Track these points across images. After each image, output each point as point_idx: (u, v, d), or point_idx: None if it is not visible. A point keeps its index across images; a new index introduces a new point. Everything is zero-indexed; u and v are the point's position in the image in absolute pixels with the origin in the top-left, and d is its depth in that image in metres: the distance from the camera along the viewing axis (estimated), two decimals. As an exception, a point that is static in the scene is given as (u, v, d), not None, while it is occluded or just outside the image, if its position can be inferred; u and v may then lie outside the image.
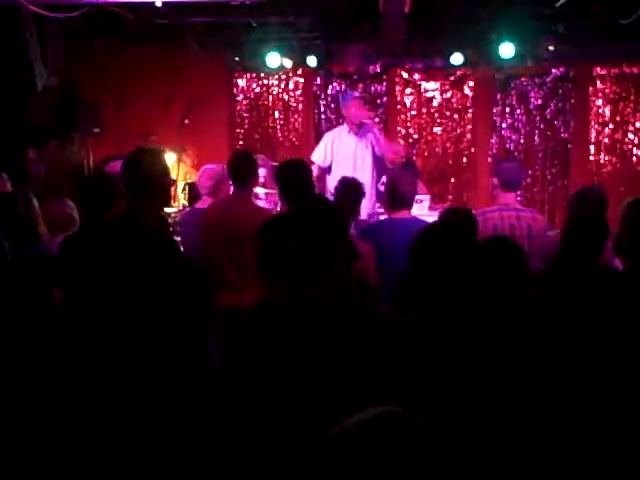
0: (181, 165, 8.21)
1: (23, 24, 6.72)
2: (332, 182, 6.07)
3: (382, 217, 5.28)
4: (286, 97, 8.73)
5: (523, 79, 8.35)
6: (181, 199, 7.62)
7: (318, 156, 6.33)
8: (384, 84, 8.55)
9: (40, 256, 3.76)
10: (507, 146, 8.53)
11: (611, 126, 8.27)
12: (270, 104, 8.76)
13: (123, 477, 1.41)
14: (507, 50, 7.04)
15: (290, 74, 8.57)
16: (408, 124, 8.56)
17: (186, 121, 8.02)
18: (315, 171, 5.95)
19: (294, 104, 8.73)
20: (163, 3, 6.02)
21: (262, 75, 8.61)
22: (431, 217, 4.59)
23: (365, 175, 5.99)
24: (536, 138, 8.45)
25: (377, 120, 6.51)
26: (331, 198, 4.70)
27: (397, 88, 8.50)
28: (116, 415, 1.43)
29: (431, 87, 8.54)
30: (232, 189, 4.46)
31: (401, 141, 8.24)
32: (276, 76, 8.58)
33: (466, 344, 2.19)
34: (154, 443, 1.69)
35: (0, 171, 4.89)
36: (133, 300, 2.65)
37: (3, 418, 1.44)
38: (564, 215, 5.81)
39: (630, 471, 2.15)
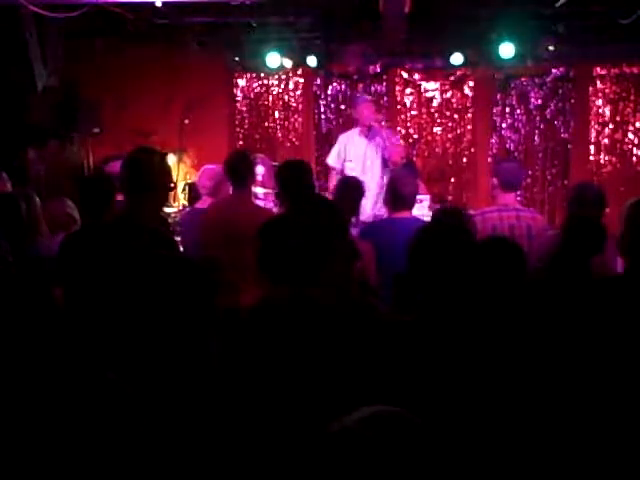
0: (181, 165, 8.21)
1: (23, 24, 6.72)
2: None
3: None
4: (286, 97, 8.73)
5: (523, 79, 8.35)
6: (181, 199, 7.63)
7: (333, 159, 6.42)
8: (384, 84, 8.56)
9: (41, 256, 3.76)
10: (507, 146, 8.53)
11: (611, 126, 8.27)
12: (270, 104, 8.76)
13: (122, 477, 1.41)
14: (507, 50, 7.04)
15: (290, 74, 8.57)
16: (408, 124, 8.56)
17: (186, 121, 8.02)
18: (333, 181, 6.01)
19: (294, 104, 8.73)
20: (163, 3, 6.02)
21: (262, 75, 8.61)
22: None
23: (374, 177, 6.03)
24: (536, 138, 8.45)
25: (384, 123, 6.51)
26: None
27: (397, 88, 8.51)
28: (115, 415, 1.43)
29: (431, 87, 8.54)
30: (231, 189, 4.47)
31: (401, 141, 8.24)
32: (276, 76, 8.58)
33: (465, 344, 2.19)
34: (154, 443, 1.69)
35: (0, 171, 4.89)
36: (133, 300, 2.65)
37: (3, 417, 1.44)
38: (564, 215, 5.81)
39: (628, 471, 2.15)
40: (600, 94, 8.27)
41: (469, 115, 8.55)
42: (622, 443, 2.20)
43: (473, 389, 2.12)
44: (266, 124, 8.79)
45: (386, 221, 4.52)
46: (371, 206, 5.91)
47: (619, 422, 2.27)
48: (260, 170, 6.44)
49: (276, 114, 8.77)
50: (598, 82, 8.26)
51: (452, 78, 8.47)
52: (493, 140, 8.54)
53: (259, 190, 6.32)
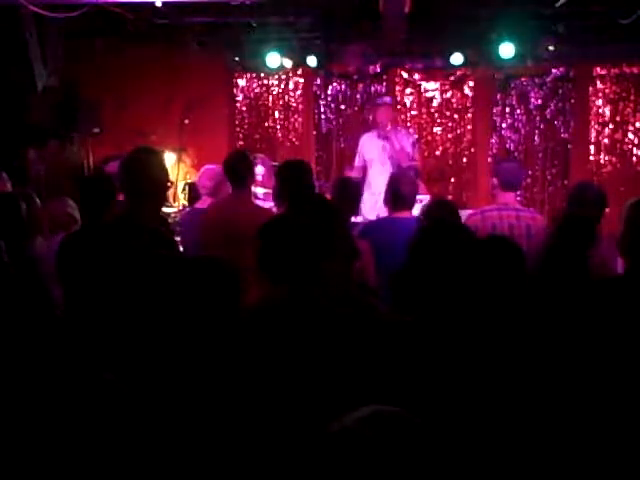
0: (181, 165, 8.21)
1: (23, 24, 6.72)
2: (368, 184, 6.20)
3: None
4: (286, 97, 8.73)
5: (523, 79, 8.35)
6: (181, 199, 7.63)
7: (356, 161, 6.56)
8: (384, 84, 8.56)
9: (41, 255, 3.76)
10: (507, 146, 8.53)
11: (611, 126, 8.27)
12: (270, 104, 8.76)
13: (122, 476, 1.41)
14: (507, 50, 7.04)
15: (290, 74, 8.57)
16: (408, 124, 8.56)
17: (186, 121, 8.02)
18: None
19: (294, 104, 8.73)
20: (163, 3, 6.02)
21: (262, 75, 8.61)
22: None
23: (385, 179, 6.07)
24: (536, 138, 8.45)
25: (398, 128, 6.56)
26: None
27: (397, 88, 8.50)
28: (111, 415, 1.43)
29: (431, 87, 8.54)
30: (230, 189, 4.47)
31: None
32: (276, 76, 8.58)
33: (465, 343, 2.19)
34: (152, 442, 1.69)
35: (0, 171, 4.89)
36: (133, 299, 2.65)
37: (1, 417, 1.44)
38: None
39: (628, 471, 2.15)
40: (600, 94, 8.27)
41: (469, 115, 8.55)
42: (621, 443, 2.20)
43: (473, 389, 2.12)
44: (266, 124, 8.79)
45: (386, 220, 4.52)
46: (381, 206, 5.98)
47: (618, 422, 2.28)
48: (260, 170, 6.45)
49: (276, 114, 8.76)
50: (598, 82, 8.26)
51: (452, 78, 8.47)
52: (493, 140, 8.54)
53: (259, 190, 6.33)
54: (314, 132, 8.68)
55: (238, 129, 8.80)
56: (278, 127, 8.78)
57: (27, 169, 6.83)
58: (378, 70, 8.44)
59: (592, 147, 8.31)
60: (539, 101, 8.38)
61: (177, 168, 8.11)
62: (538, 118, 8.41)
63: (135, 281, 2.71)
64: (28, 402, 1.43)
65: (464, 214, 4.59)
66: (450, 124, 8.60)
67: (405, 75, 8.52)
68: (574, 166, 8.31)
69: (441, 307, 2.27)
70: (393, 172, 5.72)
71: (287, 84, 8.70)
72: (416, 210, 4.63)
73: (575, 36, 7.17)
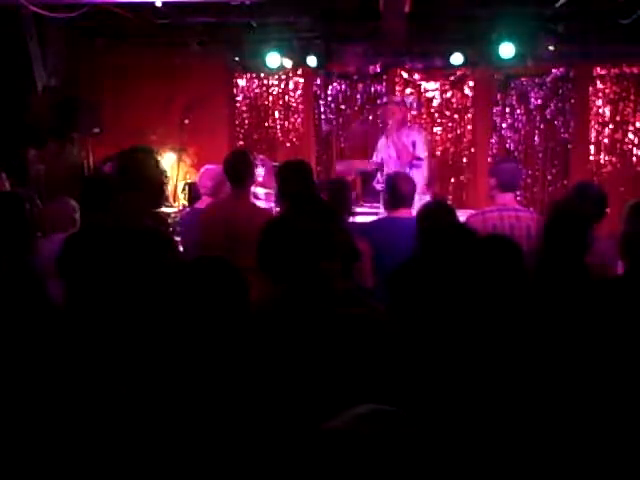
0: (181, 165, 8.21)
1: (23, 25, 6.72)
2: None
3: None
4: (286, 97, 8.73)
5: (523, 79, 8.35)
6: (181, 199, 7.63)
7: (373, 156, 6.56)
8: (384, 84, 8.56)
9: (40, 256, 3.76)
10: (507, 146, 8.53)
11: (611, 126, 8.27)
12: (270, 104, 8.76)
13: (121, 476, 1.42)
14: (507, 50, 7.04)
15: (290, 74, 8.57)
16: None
17: (186, 121, 8.03)
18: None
19: (294, 104, 8.73)
20: (163, 3, 6.03)
21: (262, 75, 8.61)
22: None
23: None
24: (536, 138, 8.45)
25: (409, 127, 6.52)
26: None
27: (397, 88, 8.50)
28: (109, 415, 1.43)
29: (431, 87, 8.55)
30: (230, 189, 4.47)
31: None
32: (276, 76, 8.58)
33: (465, 343, 2.19)
34: (151, 442, 1.69)
35: (0, 171, 4.89)
36: (132, 299, 2.65)
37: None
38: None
39: (627, 470, 2.15)
40: (600, 94, 8.27)
41: (469, 115, 8.56)
42: (621, 442, 2.20)
43: (472, 388, 2.12)
44: (266, 124, 8.79)
45: (385, 220, 4.52)
46: None
47: (618, 421, 2.28)
48: (260, 170, 6.45)
49: (276, 114, 8.77)
50: (598, 82, 8.26)
51: (452, 78, 8.47)
52: (493, 140, 8.54)
53: (259, 190, 6.33)
54: (314, 132, 8.68)
55: (238, 129, 8.80)
56: (278, 127, 8.78)
57: (27, 169, 6.83)
58: (378, 70, 8.44)
59: (592, 147, 8.31)
60: (539, 101, 8.38)
61: (177, 168, 8.11)
62: (538, 118, 8.41)
63: (140, 283, 2.71)
64: (28, 402, 1.43)
65: (464, 214, 4.59)
66: (450, 124, 8.60)
67: (405, 75, 8.52)
68: (574, 166, 8.32)
69: (441, 307, 2.27)
70: (390, 172, 5.73)
71: (287, 84, 8.70)
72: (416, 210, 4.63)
73: (575, 36, 7.17)
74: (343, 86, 8.64)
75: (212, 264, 2.23)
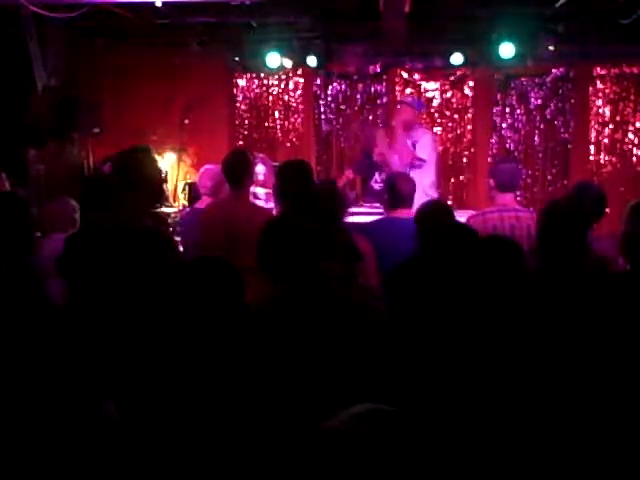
0: (181, 165, 8.21)
1: (23, 25, 6.72)
2: None
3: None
4: (286, 97, 8.73)
5: (523, 79, 8.35)
6: (181, 199, 7.62)
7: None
8: (384, 84, 8.55)
9: (41, 256, 3.76)
10: (507, 146, 8.52)
11: (611, 126, 8.26)
12: (270, 104, 8.76)
13: (121, 475, 1.42)
14: (507, 50, 7.04)
15: (290, 74, 8.57)
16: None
17: (186, 121, 8.02)
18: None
19: (294, 104, 8.73)
20: (163, 3, 6.03)
21: (262, 75, 8.61)
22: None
23: None
24: (536, 138, 8.44)
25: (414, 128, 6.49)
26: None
27: (397, 88, 8.50)
28: (109, 415, 1.43)
29: (431, 87, 8.54)
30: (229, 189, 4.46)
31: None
32: (276, 76, 8.58)
33: (465, 343, 2.19)
34: (150, 442, 1.69)
35: (0, 171, 4.89)
36: (132, 299, 2.65)
37: None
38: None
39: (627, 470, 2.15)
40: (600, 94, 8.26)
41: (469, 115, 8.55)
42: (621, 440, 2.20)
43: (473, 388, 2.12)
44: (266, 124, 8.78)
45: (385, 220, 4.52)
46: None
47: (619, 420, 2.28)
48: (261, 170, 6.44)
49: (276, 114, 8.76)
50: (598, 82, 8.26)
51: (452, 78, 8.47)
52: (493, 140, 8.53)
53: (259, 190, 6.32)
54: (314, 132, 8.68)
55: (238, 129, 8.79)
56: (278, 127, 8.78)
57: (27, 169, 6.82)
58: (378, 70, 8.44)
59: (592, 147, 8.30)
60: (539, 101, 8.37)
61: (177, 168, 8.11)
62: (538, 118, 8.40)
63: (140, 283, 2.72)
64: (28, 402, 1.43)
65: (464, 215, 4.59)
66: (450, 124, 8.59)
67: (405, 75, 8.51)
68: (574, 166, 8.31)
69: (441, 307, 2.27)
70: (390, 172, 5.73)
71: (287, 84, 8.70)
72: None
73: (575, 36, 7.17)
74: (343, 86, 8.64)
75: (211, 264, 2.23)
